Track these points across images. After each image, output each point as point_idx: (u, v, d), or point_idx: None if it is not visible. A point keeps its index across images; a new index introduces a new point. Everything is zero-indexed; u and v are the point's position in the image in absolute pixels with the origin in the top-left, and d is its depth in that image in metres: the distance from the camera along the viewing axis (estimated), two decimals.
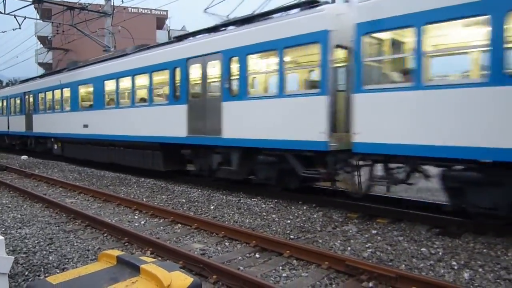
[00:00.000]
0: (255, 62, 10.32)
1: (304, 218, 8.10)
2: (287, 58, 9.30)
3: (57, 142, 19.60)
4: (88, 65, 17.27)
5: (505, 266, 5.41)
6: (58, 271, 5.49)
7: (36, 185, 13.10)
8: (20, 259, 5.94)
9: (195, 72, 11.46)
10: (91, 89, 16.65)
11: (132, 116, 14.03)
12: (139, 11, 40.50)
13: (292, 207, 9.01)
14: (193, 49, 11.41)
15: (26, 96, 22.68)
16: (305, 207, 8.98)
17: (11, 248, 6.42)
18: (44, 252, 6.30)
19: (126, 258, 3.04)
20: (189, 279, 2.74)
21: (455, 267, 5.43)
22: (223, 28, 11.05)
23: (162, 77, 12.86)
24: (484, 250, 6.08)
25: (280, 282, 5.13)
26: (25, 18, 21.30)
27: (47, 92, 20.38)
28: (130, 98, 14.34)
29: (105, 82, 15.38)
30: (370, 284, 4.94)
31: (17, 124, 23.94)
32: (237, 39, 10.11)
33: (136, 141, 13.69)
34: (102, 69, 15.73)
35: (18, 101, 24.16)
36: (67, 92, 18.44)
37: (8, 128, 25.68)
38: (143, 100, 13.89)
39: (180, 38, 12.64)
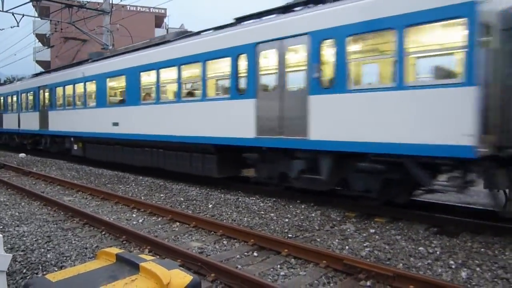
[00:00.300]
0: (358, 46, 8.37)
1: (302, 217, 8.11)
2: (409, 39, 7.14)
3: (77, 142, 17.32)
4: (118, 55, 15.00)
5: (503, 266, 5.43)
6: (56, 269, 5.49)
7: (34, 183, 13.08)
8: (18, 257, 5.94)
9: (267, 60, 9.52)
10: (122, 82, 14.37)
11: (177, 113, 11.84)
12: (138, 9, 40.46)
13: (290, 206, 9.02)
14: (265, 32, 9.39)
15: (41, 91, 20.40)
16: (303, 206, 8.99)
17: (9, 246, 6.42)
18: (42, 250, 6.30)
19: (126, 256, 3.04)
20: (188, 277, 2.74)
21: (453, 266, 5.45)
22: (298, 8, 9.15)
23: (220, 66, 10.84)
24: (482, 250, 6.10)
25: (278, 280, 5.14)
26: (23, 16, 21.29)
27: (66, 86, 17.98)
28: (175, 92, 12.22)
29: (142, 74, 13.14)
30: (368, 283, 4.95)
31: (30, 122, 21.60)
32: (331, 17, 8.12)
33: (182, 143, 11.61)
34: (137, 59, 13.43)
35: (31, 97, 21.84)
36: (91, 86, 16.16)
37: (19, 126, 23.39)
38: (192, 94, 12.08)
39: (241, 20, 10.52)
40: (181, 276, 2.74)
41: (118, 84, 15.28)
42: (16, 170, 15.95)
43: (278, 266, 5.62)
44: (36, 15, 28.69)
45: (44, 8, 31.89)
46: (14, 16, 20.63)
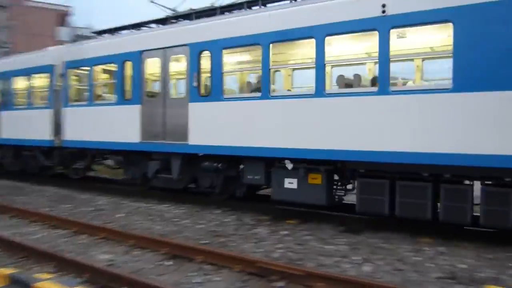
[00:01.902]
0: None
1: (217, 223, 8.09)
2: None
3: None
4: None
5: (400, 258, 5.93)
6: None
7: None
8: None
9: None
10: None
11: None
12: (40, 6, 37.50)
13: (207, 212, 8.95)
14: None
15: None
16: (218, 212, 8.97)
17: None
18: None
19: (19, 276, 2.76)
20: None
21: (358, 262, 5.81)
22: None
23: None
24: (383, 244, 6.59)
25: None
26: None
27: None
28: None
29: None
30: (281, 284, 5.08)
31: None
32: None
33: None
34: None
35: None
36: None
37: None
38: None
39: None
40: None
41: None
42: None
43: (194, 273, 5.53)
44: None
45: None
46: None
